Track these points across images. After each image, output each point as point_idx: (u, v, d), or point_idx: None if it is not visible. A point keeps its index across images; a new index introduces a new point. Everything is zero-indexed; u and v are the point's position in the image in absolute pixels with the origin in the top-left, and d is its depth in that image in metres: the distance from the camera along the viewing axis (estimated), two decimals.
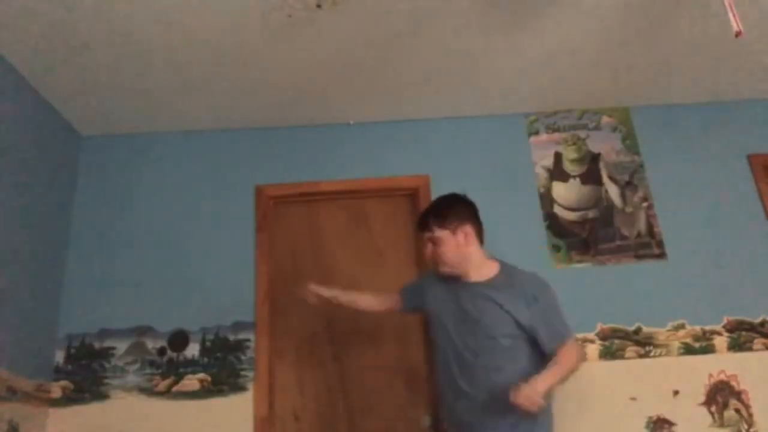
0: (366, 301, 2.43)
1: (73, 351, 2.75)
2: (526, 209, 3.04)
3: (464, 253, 2.11)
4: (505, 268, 2.14)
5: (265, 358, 2.73)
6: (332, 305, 2.48)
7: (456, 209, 2.17)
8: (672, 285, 2.86)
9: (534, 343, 2.00)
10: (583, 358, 2.02)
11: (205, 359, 2.74)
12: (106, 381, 2.70)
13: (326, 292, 2.39)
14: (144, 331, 2.78)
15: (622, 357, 2.74)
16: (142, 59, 2.62)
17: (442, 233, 2.10)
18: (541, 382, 1.82)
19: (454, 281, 2.15)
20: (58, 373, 2.71)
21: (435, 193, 2.97)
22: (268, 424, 2.63)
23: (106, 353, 2.74)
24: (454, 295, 2.12)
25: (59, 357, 2.73)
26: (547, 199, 3.07)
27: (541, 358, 1.99)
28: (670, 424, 2.62)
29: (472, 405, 1.99)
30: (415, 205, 3.01)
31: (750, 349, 2.76)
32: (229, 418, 2.62)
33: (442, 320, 2.13)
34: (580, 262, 2.93)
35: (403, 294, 2.39)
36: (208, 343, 2.77)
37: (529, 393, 1.76)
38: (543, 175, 3.13)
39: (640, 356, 2.74)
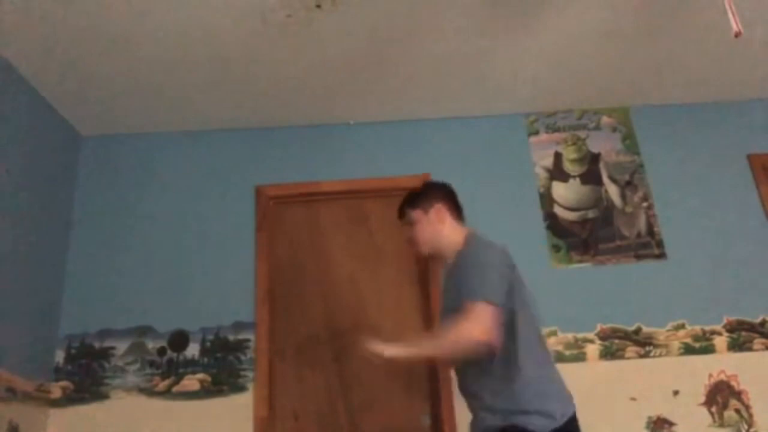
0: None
1: (73, 351, 2.75)
2: (526, 209, 3.04)
3: (437, 230, 2.04)
4: (468, 242, 1.97)
5: (265, 358, 2.73)
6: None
7: (426, 191, 2.15)
8: (672, 285, 2.86)
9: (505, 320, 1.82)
10: (474, 336, 1.69)
11: (205, 359, 2.74)
12: (106, 381, 2.70)
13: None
14: (144, 331, 2.78)
15: (622, 357, 2.74)
16: (142, 59, 2.62)
17: (414, 214, 2.08)
18: (391, 349, 1.77)
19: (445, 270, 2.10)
20: (58, 373, 2.71)
21: None
22: (268, 424, 2.63)
23: (106, 353, 2.74)
24: (443, 284, 2.10)
25: (59, 357, 2.74)
26: (547, 199, 3.07)
27: (510, 336, 1.81)
28: (670, 424, 2.62)
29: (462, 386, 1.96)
30: None
31: (750, 349, 2.76)
32: (229, 418, 2.62)
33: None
34: (580, 262, 2.93)
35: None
36: (208, 343, 2.77)
37: (375, 350, 1.76)
38: (543, 175, 3.13)
39: (640, 356, 2.74)
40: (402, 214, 2.14)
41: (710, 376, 2.70)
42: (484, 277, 1.80)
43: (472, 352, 1.76)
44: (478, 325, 1.71)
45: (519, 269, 1.94)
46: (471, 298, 1.75)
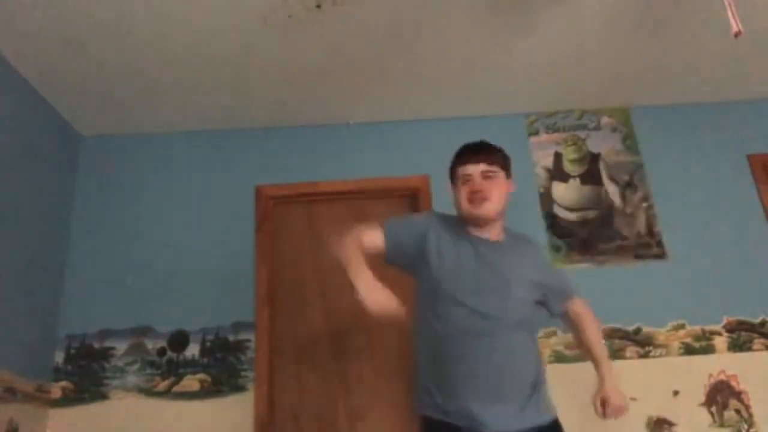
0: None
1: (73, 351, 2.75)
2: (526, 209, 3.04)
3: (504, 206, 1.94)
4: (508, 230, 2.02)
5: (265, 358, 2.73)
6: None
7: (510, 161, 2.01)
8: (672, 285, 2.86)
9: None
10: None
11: (205, 359, 2.74)
12: (106, 381, 2.70)
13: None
14: (144, 331, 2.78)
15: (622, 357, 2.73)
16: (142, 59, 2.62)
17: (501, 173, 1.93)
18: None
19: (465, 234, 1.88)
20: (58, 373, 2.71)
21: (435, 193, 2.99)
22: (268, 424, 2.63)
23: (106, 353, 2.74)
24: (472, 249, 1.84)
25: (59, 357, 2.74)
26: (547, 199, 3.07)
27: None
28: (670, 424, 2.62)
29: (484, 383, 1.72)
30: (415, 205, 3.01)
31: (750, 349, 2.76)
32: (229, 418, 2.62)
33: (457, 275, 1.79)
34: (580, 262, 2.93)
35: (390, 239, 1.87)
36: (208, 344, 2.77)
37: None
38: (543, 175, 3.13)
39: (640, 356, 2.74)
40: (489, 158, 1.91)
41: (710, 376, 2.70)
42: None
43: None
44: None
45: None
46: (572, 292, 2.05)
